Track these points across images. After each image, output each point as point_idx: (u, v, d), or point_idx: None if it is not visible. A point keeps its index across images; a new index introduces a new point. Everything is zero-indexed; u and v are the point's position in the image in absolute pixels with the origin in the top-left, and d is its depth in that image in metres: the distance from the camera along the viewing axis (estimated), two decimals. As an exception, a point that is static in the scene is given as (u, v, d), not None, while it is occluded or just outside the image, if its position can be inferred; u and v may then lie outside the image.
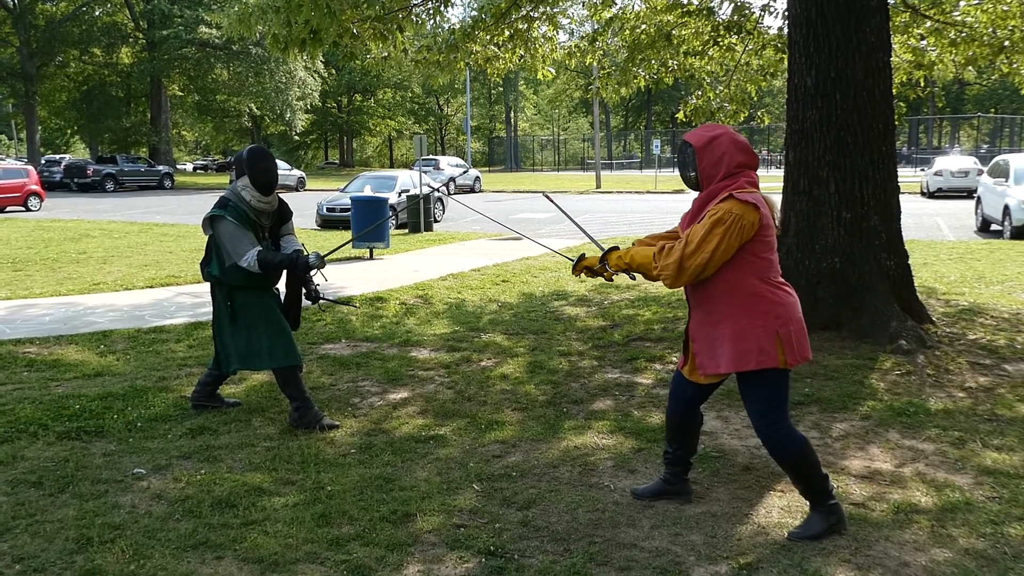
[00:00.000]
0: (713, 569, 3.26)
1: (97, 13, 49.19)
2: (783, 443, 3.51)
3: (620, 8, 10.77)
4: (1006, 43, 9.32)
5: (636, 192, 34.02)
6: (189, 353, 6.92)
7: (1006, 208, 15.86)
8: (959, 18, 9.76)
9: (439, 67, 9.38)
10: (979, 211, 17.92)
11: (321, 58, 46.36)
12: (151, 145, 48.98)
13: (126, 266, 12.62)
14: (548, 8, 9.66)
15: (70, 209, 26.56)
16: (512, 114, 71.90)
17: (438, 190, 18.68)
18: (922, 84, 11.00)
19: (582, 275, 3.89)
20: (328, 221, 19.53)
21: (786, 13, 7.98)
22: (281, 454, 4.52)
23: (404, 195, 19.67)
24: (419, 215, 18.13)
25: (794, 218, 7.11)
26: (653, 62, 10.72)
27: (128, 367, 6.47)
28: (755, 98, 11.14)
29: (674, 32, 10.36)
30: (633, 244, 3.77)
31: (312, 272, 5.01)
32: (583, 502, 3.88)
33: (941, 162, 28.27)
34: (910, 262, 7.20)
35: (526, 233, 16.36)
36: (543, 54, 10.06)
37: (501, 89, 69.11)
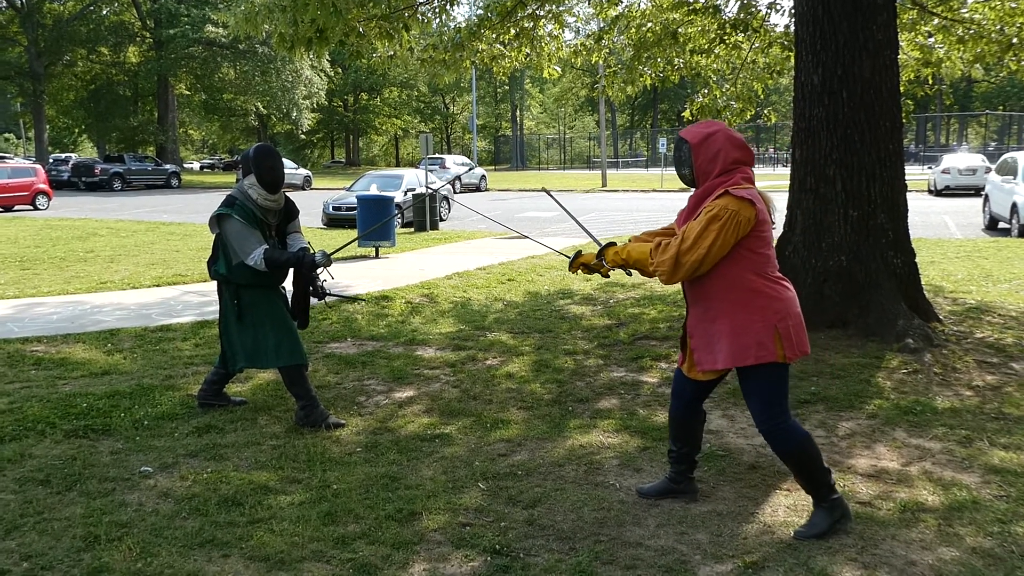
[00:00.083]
0: (719, 568, 3.26)
1: (104, 12, 49.32)
2: (784, 437, 3.50)
3: (626, 6, 10.76)
4: (1014, 40, 9.27)
5: (642, 191, 33.99)
6: (196, 352, 6.94)
7: (1014, 206, 15.79)
8: (967, 15, 9.71)
9: (445, 66, 9.38)
10: (987, 209, 17.84)
11: (327, 57, 46.39)
12: (158, 144, 49.10)
13: (133, 265, 12.66)
14: (554, 6, 9.65)
15: (78, 208, 26.65)
16: (518, 113, 71.84)
17: (438, 191, 18.65)
18: (930, 82, 10.95)
19: (579, 271, 3.90)
20: (334, 220, 19.56)
21: (793, 11, 7.96)
22: (287, 453, 4.53)
23: (410, 194, 19.69)
24: (425, 214, 18.14)
25: (801, 216, 7.09)
26: (659, 60, 10.70)
27: (135, 366, 6.49)
28: (762, 96, 11.11)
29: (680, 30, 10.34)
30: (630, 240, 3.78)
31: (318, 270, 5.02)
32: (589, 501, 3.88)
33: (949, 160, 28.16)
34: (917, 260, 7.18)
35: (531, 232, 16.37)
36: (549, 52, 10.05)
37: (507, 88, 69.07)
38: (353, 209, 17.10)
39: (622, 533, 3.56)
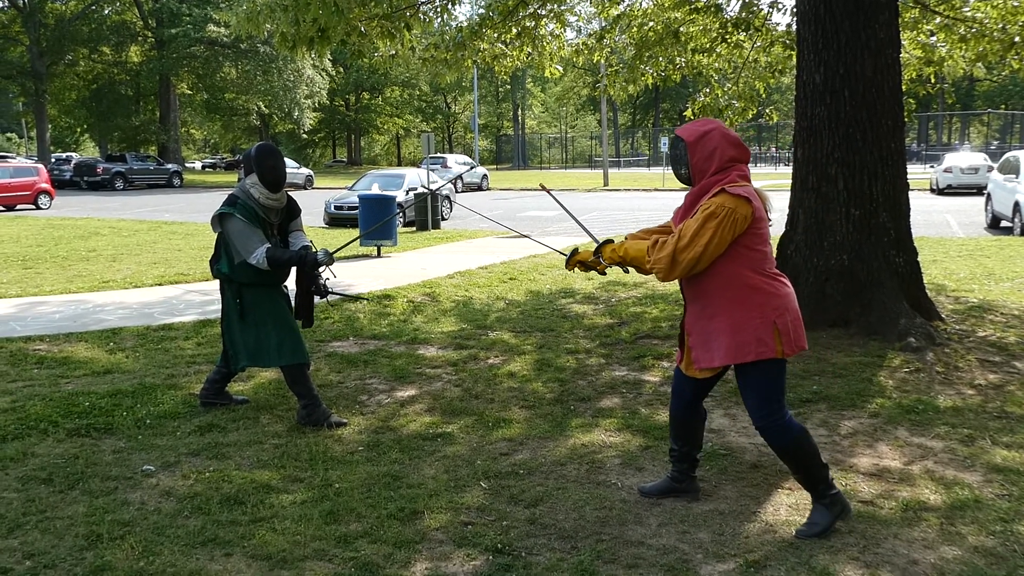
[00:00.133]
0: (721, 567, 3.26)
1: (106, 12, 49.34)
2: (781, 433, 3.51)
3: (628, 5, 10.76)
4: (1016, 39, 9.26)
5: (644, 190, 33.99)
6: (198, 351, 6.94)
7: (1016, 204, 15.77)
8: (969, 14, 9.70)
9: (447, 65, 9.38)
10: (989, 208, 17.82)
11: (329, 56, 46.30)
12: (160, 143, 49.14)
13: (135, 264, 12.68)
14: (555, 5, 9.65)
15: (80, 207, 26.68)
16: (520, 112, 71.84)
17: (438, 191, 18.64)
18: (932, 80, 10.94)
19: (576, 268, 3.91)
20: (336, 219, 19.57)
21: (794, 10, 7.95)
22: (289, 451, 4.54)
23: (411, 193, 19.69)
24: (426, 213, 18.15)
25: (803, 215, 7.09)
26: (661, 59, 10.70)
27: (137, 364, 6.50)
28: (763, 95, 11.10)
29: (682, 29, 10.33)
30: (626, 238, 3.78)
31: (320, 269, 5.02)
32: (590, 500, 3.88)
33: (951, 158, 28.13)
34: (919, 259, 7.17)
35: (532, 231, 16.37)
36: (551, 52, 10.05)
37: (509, 87, 69.07)
38: (355, 208, 17.09)
39: (624, 532, 3.56)
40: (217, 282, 5.21)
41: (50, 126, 50.14)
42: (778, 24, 10.54)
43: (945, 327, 6.87)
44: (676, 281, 3.57)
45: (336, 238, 15.18)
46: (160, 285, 10.52)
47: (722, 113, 10.86)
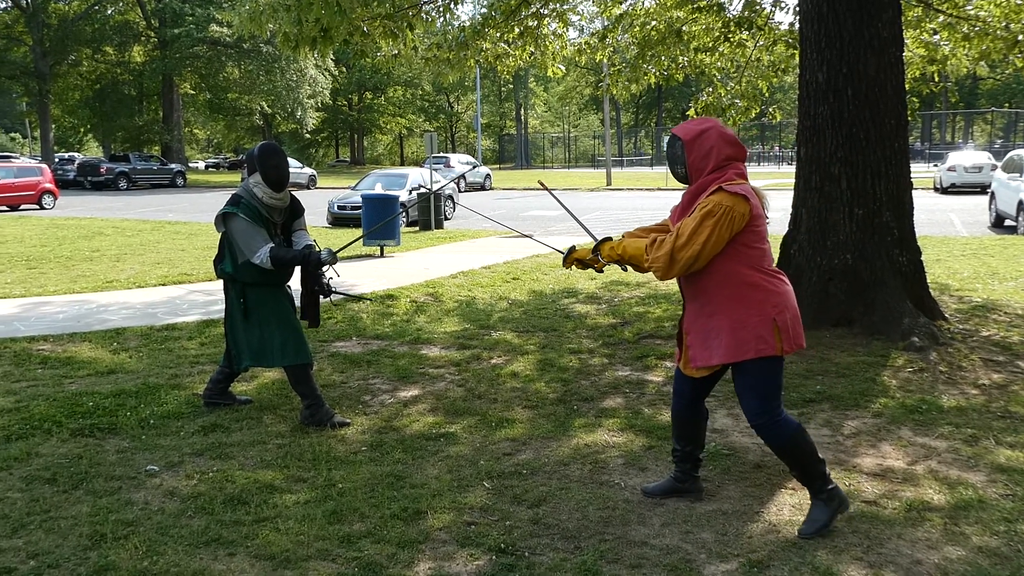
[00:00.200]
0: (724, 567, 3.26)
1: (109, 12, 49.43)
2: (778, 431, 3.51)
3: (630, 5, 10.75)
4: (1020, 37, 9.23)
5: (647, 189, 33.97)
6: (201, 351, 6.95)
7: (1020, 203, 15.72)
8: (972, 12, 9.68)
9: (449, 65, 9.38)
10: (993, 206, 17.78)
11: (332, 56, 46.34)
12: (163, 143, 49.23)
13: (139, 264, 12.70)
14: (558, 5, 9.65)
15: (83, 207, 26.72)
16: (522, 111, 71.85)
17: (440, 191, 18.64)
18: (935, 79, 10.92)
19: (573, 266, 3.91)
20: (339, 219, 19.58)
21: (797, 9, 7.93)
22: (292, 452, 4.54)
23: (415, 192, 19.70)
24: (429, 213, 18.15)
25: (806, 214, 7.08)
26: (663, 59, 10.69)
27: (141, 364, 6.51)
28: (766, 94, 11.10)
29: (684, 28, 10.32)
30: (624, 236, 3.78)
31: (324, 268, 5.02)
32: (594, 500, 3.88)
33: (954, 157, 28.07)
34: (923, 258, 7.16)
35: (535, 231, 16.36)
36: (553, 51, 10.05)
37: (511, 86, 69.09)
38: (358, 208, 17.11)
39: (627, 532, 3.56)
40: (220, 282, 5.21)
41: (54, 126, 50.26)
42: (781, 23, 10.55)
43: (949, 327, 6.86)
44: (675, 280, 3.58)
45: (339, 238, 15.19)
46: (164, 285, 10.53)
47: (725, 112, 10.85)
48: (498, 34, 9.49)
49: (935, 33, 10.11)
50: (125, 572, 3.24)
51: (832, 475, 4.09)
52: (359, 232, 13.87)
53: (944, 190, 27.00)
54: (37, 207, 26.21)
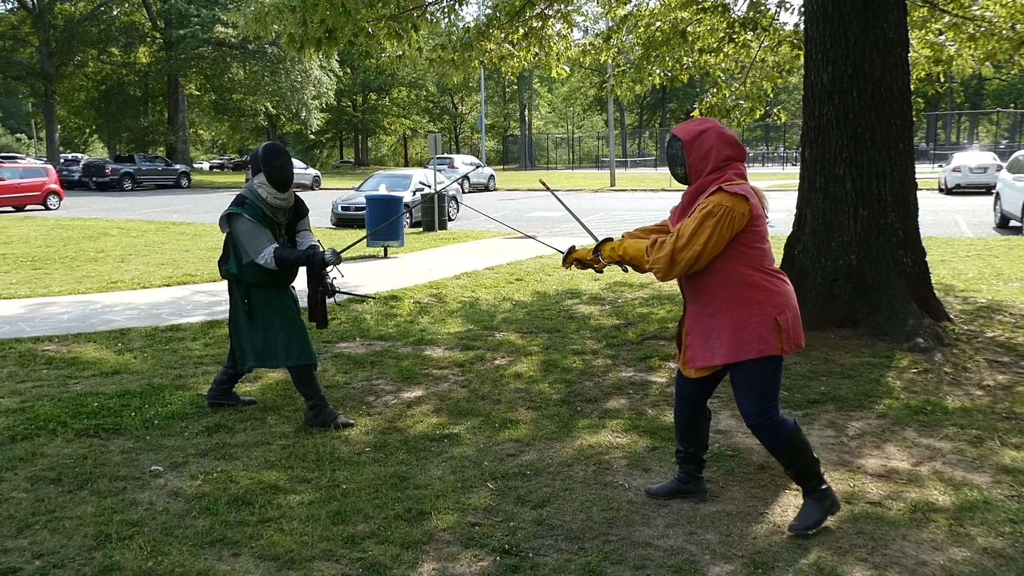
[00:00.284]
0: (728, 568, 3.25)
1: (115, 13, 49.58)
2: (776, 431, 3.50)
3: (635, 5, 10.76)
4: (1026, 37, 9.22)
5: (651, 190, 33.95)
6: (205, 351, 6.96)
7: (1025, 204, 15.68)
8: (978, 13, 9.67)
9: (454, 65, 9.39)
10: (998, 207, 17.72)
11: (336, 57, 46.54)
12: (168, 144, 49.33)
13: (143, 264, 12.72)
14: (562, 6, 9.65)
15: (88, 208, 26.79)
16: (526, 112, 71.85)
17: (443, 191, 18.65)
18: (941, 79, 10.90)
19: (573, 266, 3.91)
20: (343, 220, 19.60)
21: (802, 9, 7.93)
22: (296, 452, 4.54)
23: (418, 193, 19.71)
24: (433, 214, 18.16)
25: (810, 215, 7.07)
26: (668, 59, 10.69)
27: (145, 365, 6.52)
28: (771, 95, 11.09)
29: (689, 29, 10.32)
30: (624, 236, 3.78)
31: (328, 268, 5.03)
32: (597, 501, 3.88)
33: (959, 158, 27.98)
34: (927, 259, 7.15)
35: (539, 232, 16.36)
36: (557, 52, 10.05)
37: (515, 87, 69.08)
38: (362, 209, 17.11)
39: (631, 533, 3.55)
40: (224, 283, 5.22)
41: (59, 127, 50.39)
42: (785, 24, 10.59)
43: (953, 327, 6.84)
44: (675, 280, 3.58)
45: (343, 239, 15.21)
46: (168, 286, 10.56)
47: (729, 113, 10.85)
48: (502, 35, 9.50)
49: (941, 34, 10.10)
50: (130, 572, 3.24)
51: (836, 476, 4.09)
52: (363, 233, 13.89)
53: (949, 191, 26.93)
54: (42, 208, 26.29)
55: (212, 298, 9.52)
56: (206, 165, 71.11)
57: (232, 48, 44.29)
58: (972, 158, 27.83)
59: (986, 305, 8.12)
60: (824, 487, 3.57)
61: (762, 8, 10.18)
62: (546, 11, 9.56)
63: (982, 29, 9.50)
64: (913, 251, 6.93)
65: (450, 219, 19.98)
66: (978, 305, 8.13)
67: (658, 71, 10.71)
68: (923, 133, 54.66)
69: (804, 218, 7.16)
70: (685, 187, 3.57)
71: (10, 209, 25.72)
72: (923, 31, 10.04)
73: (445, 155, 38.90)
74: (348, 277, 10.55)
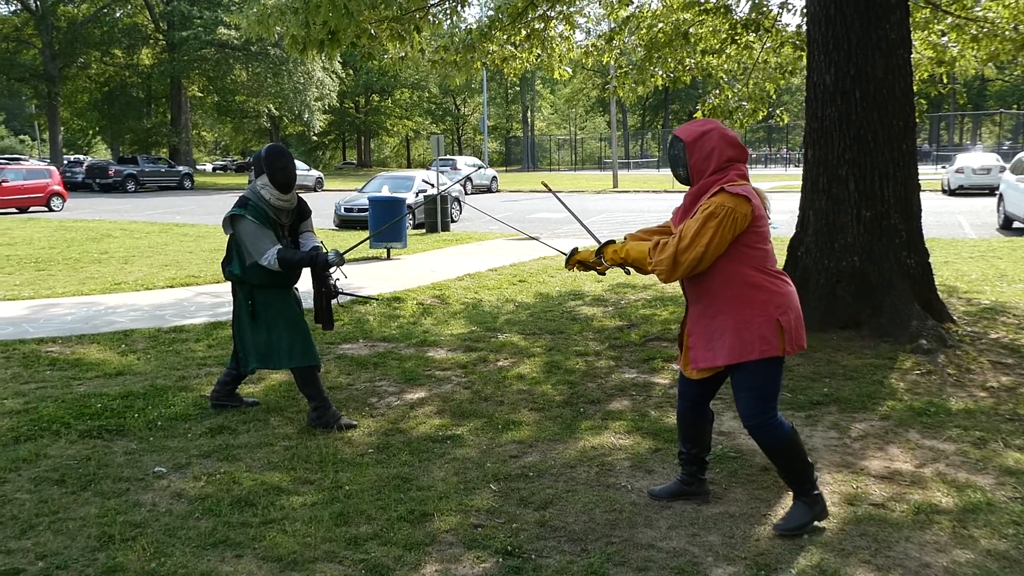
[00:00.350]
0: (731, 569, 3.25)
1: (118, 15, 49.66)
2: (774, 433, 3.50)
3: (637, 7, 10.75)
4: (1029, 38, 9.21)
5: (653, 191, 33.93)
6: (209, 353, 6.97)
7: (1029, 205, 15.66)
8: (981, 14, 9.66)
9: (456, 67, 9.39)
10: (1001, 208, 17.70)
11: (339, 59, 46.41)
12: (171, 146, 49.41)
13: (147, 266, 12.74)
14: (565, 7, 9.66)
15: (92, 209, 26.83)
16: (529, 114, 71.87)
17: (446, 191, 18.67)
18: (943, 80, 10.89)
19: (575, 268, 3.90)
20: (346, 221, 19.62)
21: (804, 10, 7.93)
22: (299, 453, 4.55)
23: (421, 195, 19.73)
24: (436, 215, 18.17)
25: (813, 216, 7.07)
26: (670, 61, 10.68)
27: (149, 366, 6.53)
28: (773, 96, 11.08)
29: (691, 30, 10.32)
30: (626, 238, 3.78)
31: (331, 269, 5.03)
32: (600, 502, 3.88)
33: (963, 159, 27.95)
34: (931, 260, 7.14)
35: (542, 233, 16.37)
36: (560, 53, 10.06)
37: (518, 89, 69.13)
38: (365, 210, 17.15)
39: (634, 535, 3.55)
40: (227, 284, 5.22)
41: (62, 128, 50.48)
42: (788, 25, 10.53)
43: (957, 329, 6.83)
44: (678, 282, 3.58)
45: (346, 240, 15.22)
46: (171, 287, 10.57)
47: (732, 114, 10.84)
48: (505, 36, 9.51)
49: (943, 35, 10.09)
50: (133, 573, 3.25)
51: (839, 477, 4.09)
52: (366, 234, 13.90)
53: (952, 192, 26.90)
54: (46, 209, 26.34)
55: (215, 299, 9.53)
56: (209, 167, 71.21)
57: (235, 50, 44.35)
58: (975, 159, 27.80)
59: (990, 307, 8.11)
60: (816, 492, 3.57)
61: (764, 9, 10.17)
62: (548, 12, 9.57)
63: (985, 30, 9.49)
64: (916, 252, 6.92)
65: (453, 220, 19.99)
66: (982, 307, 8.12)
67: (660, 72, 10.71)
68: (926, 134, 54.57)
69: (807, 219, 7.16)
70: (687, 188, 3.57)
71: (14, 211, 25.77)
72: (926, 32, 10.03)
73: (448, 156, 38.92)
74: (351, 278, 10.56)
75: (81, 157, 54.73)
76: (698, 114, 11.23)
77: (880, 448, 4.54)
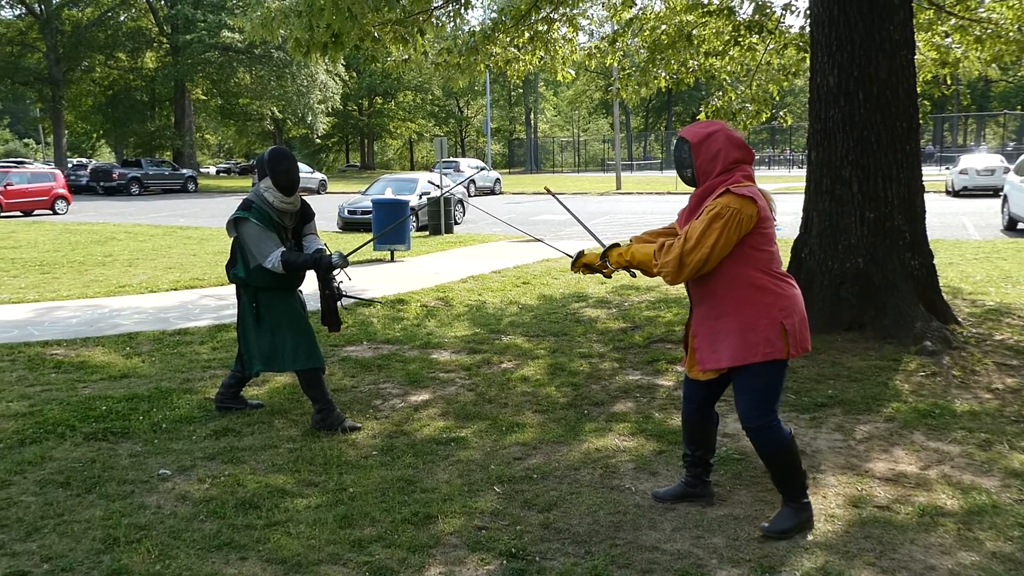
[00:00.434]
0: (735, 572, 3.25)
1: (122, 18, 49.75)
2: (772, 436, 3.49)
3: (640, 8, 10.75)
4: (1033, 39, 9.19)
5: (656, 193, 33.94)
6: (213, 355, 6.98)
7: (1033, 207, 15.62)
8: (984, 15, 9.64)
9: (459, 69, 9.40)
10: (1005, 210, 17.66)
11: (342, 61, 46.58)
12: (175, 149, 49.51)
13: (151, 269, 12.76)
14: (568, 9, 9.66)
15: (96, 212, 26.90)
16: (532, 116, 71.88)
17: (449, 192, 18.68)
18: (947, 82, 10.87)
19: (581, 271, 3.90)
20: (349, 223, 19.63)
21: (808, 12, 7.92)
22: (304, 456, 4.55)
23: (424, 197, 19.75)
24: (439, 217, 18.19)
25: (817, 218, 7.06)
26: (673, 62, 10.68)
27: (153, 369, 6.54)
28: (777, 98, 11.07)
29: (694, 32, 10.31)
30: (631, 240, 3.78)
31: (335, 271, 5.04)
32: (604, 504, 3.87)
33: (967, 160, 27.91)
34: (935, 262, 7.12)
35: (545, 235, 16.37)
36: (563, 55, 10.06)
37: (521, 91, 69.14)
38: (368, 213, 17.16)
39: (638, 537, 3.55)
40: (231, 286, 5.23)
41: (67, 132, 50.59)
42: (791, 26, 10.52)
43: (961, 330, 6.82)
44: (683, 283, 3.57)
45: (350, 243, 15.24)
46: (175, 290, 10.59)
47: (735, 116, 10.83)
48: (508, 39, 9.51)
49: (947, 36, 10.08)
50: (138, 575, 3.26)
51: (844, 479, 4.08)
52: (369, 237, 13.91)
53: (956, 193, 26.85)
54: (50, 212, 26.40)
55: (219, 302, 9.54)
56: (213, 169, 71.31)
57: (238, 53, 44.42)
58: (979, 160, 27.76)
59: (994, 308, 8.09)
60: (805, 500, 3.58)
61: (768, 11, 10.17)
62: (551, 15, 9.57)
63: (988, 31, 9.48)
64: (920, 254, 6.91)
65: (456, 223, 19.99)
66: (986, 308, 8.10)
67: (663, 74, 10.70)
68: (930, 135, 54.50)
69: (810, 221, 7.15)
70: (691, 190, 3.57)
71: (19, 214, 25.84)
72: (929, 33, 10.02)
73: (451, 159, 38.95)
74: (355, 281, 10.57)
75: (85, 160, 54.89)
76: (701, 116, 11.22)
77: (885, 450, 4.53)
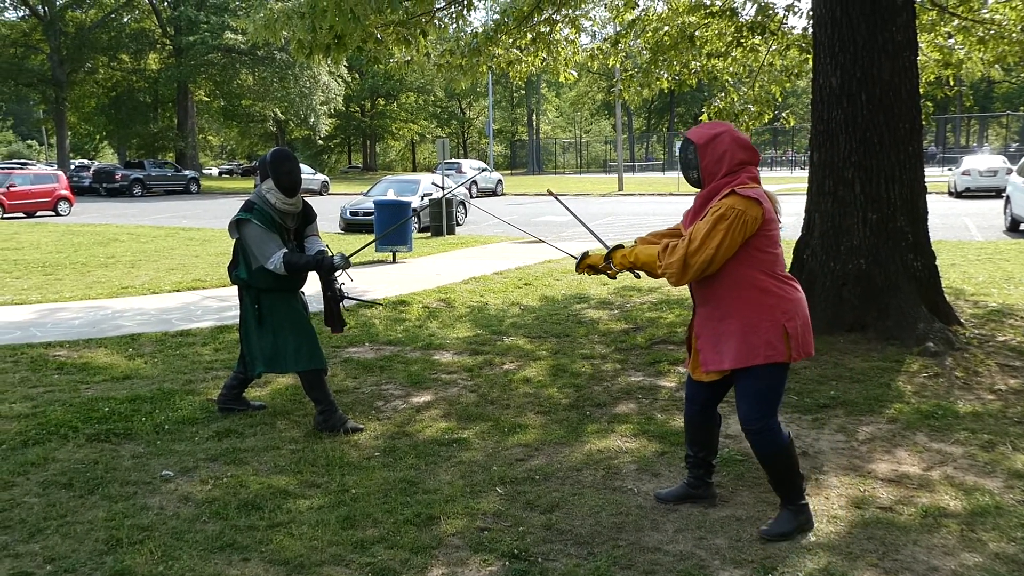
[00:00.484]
0: (738, 573, 3.24)
1: (125, 20, 49.83)
2: (772, 439, 3.49)
3: (643, 10, 10.75)
4: (1035, 41, 9.18)
5: (659, 194, 33.93)
6: (215, 356, 6.99)
7: (1036, 208, 15.59)
8: (987, 16, 9.64)
9: (462, 71, 9.40)
10: (1008, 211, 17.64)
11: (345, 63, 46.62)
12: (178, 150, 49.57)
13: (153, 270, 12.78)
14: (570, 11, 9.66)
15: (99, 214, 26.93)
16: (534, 117, 71.93)
17: (452, 193, 18.68)
18: (950, 83, 10.86)
19: (585, 272, 3.90)
20: (351, 225, 19.65)
21: (810, 13, 7.92)
22: (306, 457, 4.56)
23: (427, 198, 19.76)
24: (441, 218, 18.19)
25: (819, 219, 7.06)
26: (676, 64, 10.68)
27: (156, 370, 6.55)
28: (779, 99, 11.06)
29: (697, 33, 10.31)
30: (635, 242, 3.78)
31: (337, 272, 5.04)
32: (606, 505, 3.87)
33: (969, 161, 27.88)
34: (937, 263, 7.12)
35: (548, 236, 16.37)
36: (565, 57, 10.06)
37: (523, 92, 69.19)
38: (370, 214, 17.17)
39: (640, 538, 3.55)
40: (234, 288, 5.24)
41: (70, 133, 50.67)
42: (794, 28, 10.51)
43: (964, 331, 6.81)
44: (685, 285, 3.57)
45: (352, 244, 15.25)
46: (178, 291, 10.60)
47: (738, 117, 10.83)
48: (511, 40, 9.51)
49: (950, 37, 10.07)
50: (140, 576, 3.26)
51: (847, 481, 4.08)
52: (371, 238, 13.92)
53: (959, 194, 26.83)
54: (53, 214, 26.44)
55: (222, 303, 9.55)
56: (215, 171, 71.43)
57: (241, 54, 44.49)
58: (982, 162, 27.73)
59: (997, 309, 8.08)
60: (803, 503, 3.57)
61: (770, 12, 10.16)
62: (554, 16, 9.57)
63: (991, 32, 9.47)
64: (923, 255, 6.90)
65: (458, 224, 20.00)
66: (989, 309, 8.09)
67: (666, 75, 10.70)
68: (932, 137, 54.45)
69: (813, 222, 7.15)
70: (695, 191, 3.57)
71: (21, 215, 25.88)
72: (932, 34, 10.01)
73: (453, 160, 38.97)
74: (357, 282, 10.57)
75: (88, 162, 55.00)
76: (704, 117, 11.22)
77: (887, 451, 4.52)
